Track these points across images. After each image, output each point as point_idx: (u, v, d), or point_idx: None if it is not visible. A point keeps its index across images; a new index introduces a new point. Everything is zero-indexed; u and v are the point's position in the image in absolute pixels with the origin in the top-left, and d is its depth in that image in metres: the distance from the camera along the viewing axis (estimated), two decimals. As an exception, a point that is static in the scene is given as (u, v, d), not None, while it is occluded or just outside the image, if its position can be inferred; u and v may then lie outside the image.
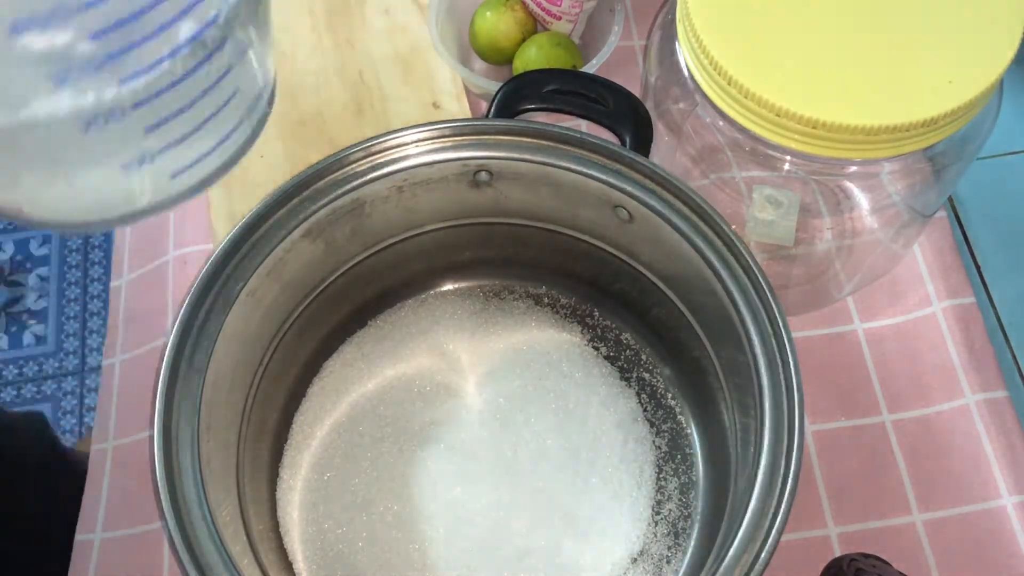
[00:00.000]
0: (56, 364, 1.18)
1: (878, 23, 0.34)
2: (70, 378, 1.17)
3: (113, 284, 0.50)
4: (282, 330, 0.41)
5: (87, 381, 1.17)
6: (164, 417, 0.34)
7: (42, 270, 1.25)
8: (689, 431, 0.43)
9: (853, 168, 0.36)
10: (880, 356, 0.45)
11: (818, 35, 0.34)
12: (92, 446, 0.45)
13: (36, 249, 1.26)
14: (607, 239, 0.41)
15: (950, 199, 0.48)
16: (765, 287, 0.35)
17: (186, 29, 0.26)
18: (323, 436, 0.43)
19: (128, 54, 0.24)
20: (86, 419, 1.14)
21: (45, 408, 1.15)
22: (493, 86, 0.46)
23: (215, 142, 0.31)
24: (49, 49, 0.22)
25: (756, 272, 0.35)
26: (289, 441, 0.43)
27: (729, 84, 0.33)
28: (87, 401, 1.16)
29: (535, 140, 0.38)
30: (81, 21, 0.22)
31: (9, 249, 1.26)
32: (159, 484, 0.33)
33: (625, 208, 0.38)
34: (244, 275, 0.36)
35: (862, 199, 0.41)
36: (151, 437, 0.34)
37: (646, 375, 0.44)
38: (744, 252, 0.36)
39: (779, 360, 0.35)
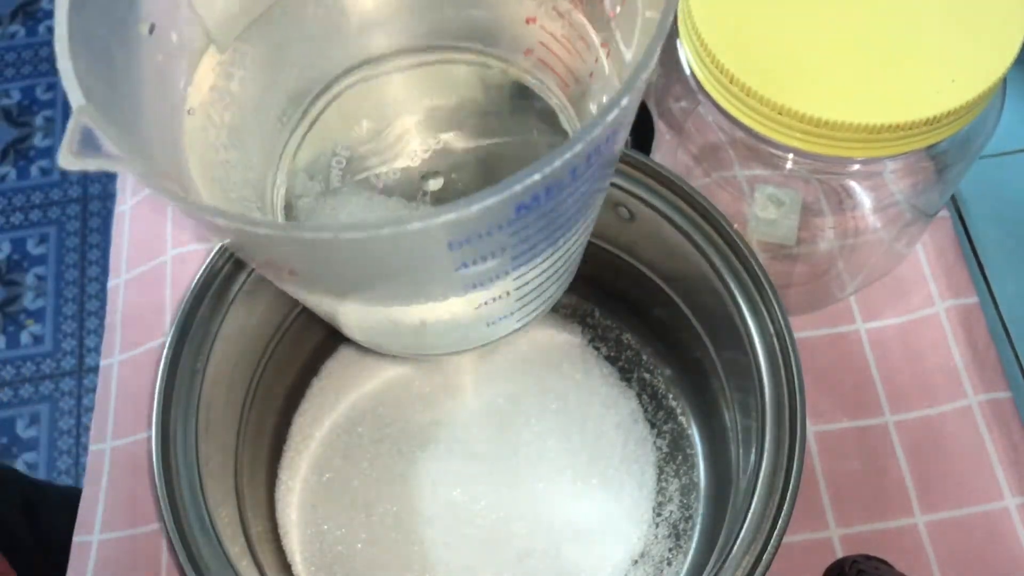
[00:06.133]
0: (54, 364, 1.18)
1: (880, 21, 0.34)
2: (68, 378, 1.17)
3: (111, 284, 0.50)
4: (280, 330, 0.41)
5: (85, 381, 1.17)
6: (162, 417, 0.34)
7: (39, 269, 1.25)
8: (690, 432, 0.43)
9: (855, 167, 0.36)
10: (882, 356, 0.45)
11: (820, 33, 0.34)
12: (90, 446, 0.45)
13: (33, 248, 1.26)
14: (608, 238, 0.41)
15: (953, 198, 0.48)
16: (767, 287, 0.35)
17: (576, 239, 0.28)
18: (322, 437, 0.42)
19: (530, 259, 0.26)
20: (84, 419, 1.14)
21: (43, 409, 1.15)
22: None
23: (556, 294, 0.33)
24: (477, 267, 0.25)
25: (758, 271, 0.35)
26: (288, 442, 0.42)
27: (731, 82, 0.33)
28: (85, 402, 1.15)
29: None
30: (502, 239, 0.24)
31: (6, 248, 1.26)
32: (157, 485, 0.33)
33: (626, 207, 0.38)
34: (242, 275, 0.36)
35: (865, 198, 0.40)
36: (149, 437, 0.34)
37: (647, 376, 0.44)
38: (746, 251, 0.35)
39: (781, 361, 0.35)
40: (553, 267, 0.29)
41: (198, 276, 0.36)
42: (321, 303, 0.29)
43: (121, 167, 0.21)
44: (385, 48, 0.32)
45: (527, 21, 0.31)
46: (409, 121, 0.32)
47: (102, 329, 1.20)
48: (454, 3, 0.32)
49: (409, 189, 0.31)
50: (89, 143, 0.21)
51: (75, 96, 0.21)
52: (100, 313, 1.21)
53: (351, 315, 0.30)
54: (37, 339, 1.20)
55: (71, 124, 0.21)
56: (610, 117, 0.21)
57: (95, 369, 1.17)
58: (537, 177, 0.20)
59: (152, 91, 0.27)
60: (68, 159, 0.20)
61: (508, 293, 0.28)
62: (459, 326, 0.31)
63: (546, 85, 0.32)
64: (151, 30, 0.26)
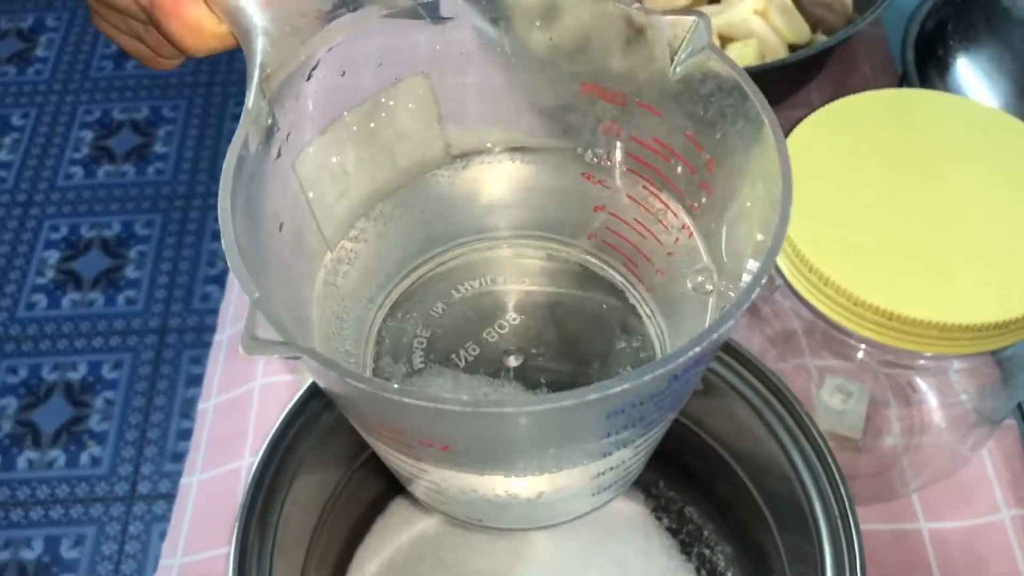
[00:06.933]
0: (107, 488, 1.20)
1: (955, 223, 0.36)
2: (118, 503, 1.18)
3: (201, 406, 0.52)
4: (355, 466, 0.42)
5: (134, 509, 1.18)
6: (242, 536, 0.35)
7: (109, 394, 1.29)
8: (747, 613, 0.42)
9: (923, 361, 0.38)
10: (945, 559, 0.45)
11: (898, 230, 0.36)
12: (160, 561, 0.46)
13: (107, 372, 1.31)
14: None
15: (1020, 408, 0.48)
16: (836, 474, 0.36)
17: None
18: (381, 575, 0.43)
19: (654, 426, 0.28)
20: (127, 547, 1.14)
21: (89, 531, 1.16)
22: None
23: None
24: (617, 436, 0.26)
25: (828, 457, 0.36)
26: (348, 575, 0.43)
27: (810, 271, 0.35)
28: (130, 529, 1.16)
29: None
30: (647, 408, 0.25)
31: (83, 369, 1.31)
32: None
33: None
34: (327, 409, 0.38)
35: (931, 396, 0.42)
36: (228, 554, 0.35)
37: (707, 551, 0.44)
38: (817, 436, 0.36)
39: (845, 550, 0.35)
40: (659, 435, 0.31)
41: (291, 404, 0.38)
42: (437, 475, 0.30)
43: (295, 352, 0.22)
44: (459, 239, 0.35)
45: (595, 209, 0.33)
46: (484, 302, 0.34)
47: (159, 457, 1.23)
48: (529, 205, 0.35)
49: (491, 367, 0.32)
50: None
51: (250, 289, 0.23)
52: (160, 443, 1.24)
53: (461, 486, 0.30)
54: (96, 461, 1.23)
55: (249, 315, 0.23)
56: (741, 311, 0.23)
57: (146, 497, 1.19)
58: (697, 350, 0.22)
59: (283, 284, 0.29)
60: (251, 346, 0.22)
61: (624, 462, 0.30)
62: (570, 497, 0.31)
63: (610, 265, 0.34)
64: (280, 227, 0.29)
